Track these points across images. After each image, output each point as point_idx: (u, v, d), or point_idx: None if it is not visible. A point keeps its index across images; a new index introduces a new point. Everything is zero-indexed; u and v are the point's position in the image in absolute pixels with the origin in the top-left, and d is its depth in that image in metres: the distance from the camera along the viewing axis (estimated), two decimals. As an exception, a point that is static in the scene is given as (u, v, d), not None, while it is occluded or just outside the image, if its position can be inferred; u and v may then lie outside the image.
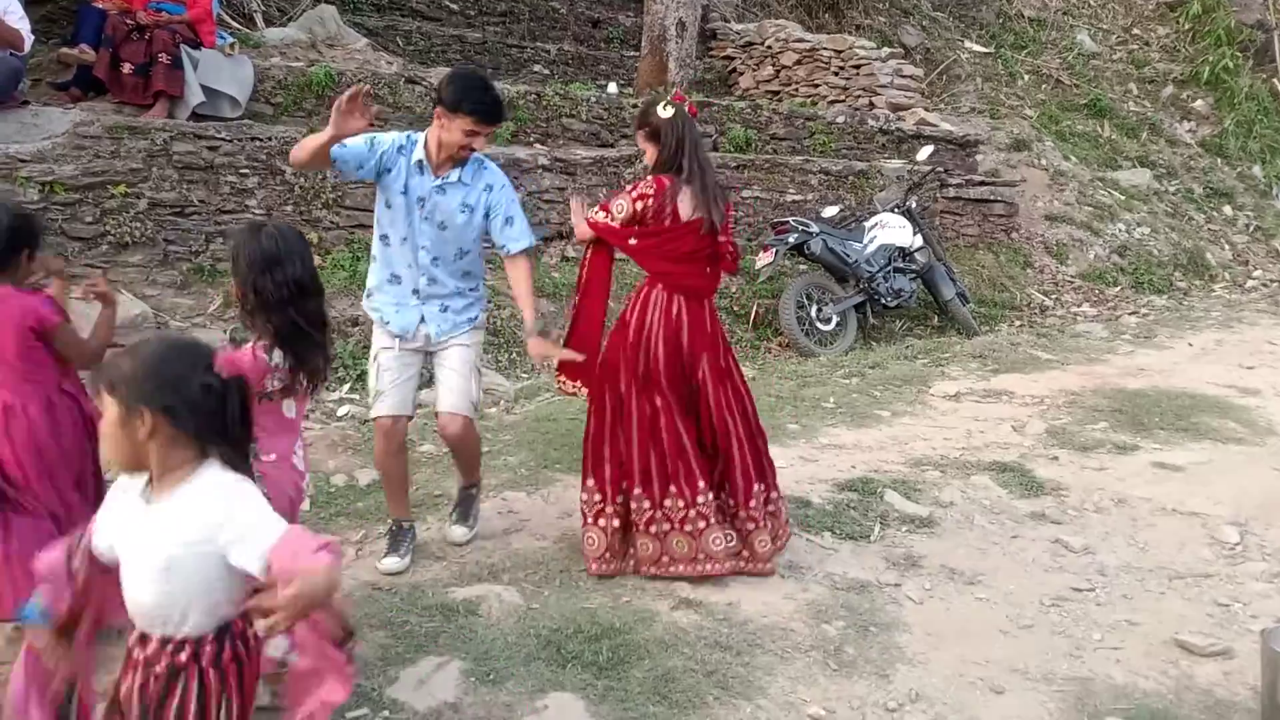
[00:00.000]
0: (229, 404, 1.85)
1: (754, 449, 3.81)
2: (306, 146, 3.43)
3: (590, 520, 3.74)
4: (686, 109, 3.75)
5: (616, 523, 3.71)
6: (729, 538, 3.69)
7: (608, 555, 3.72)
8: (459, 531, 3.96)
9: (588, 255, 3.89)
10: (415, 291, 3.70)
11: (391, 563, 3.71)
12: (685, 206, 3.67)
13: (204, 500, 1.83)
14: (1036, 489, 4.84)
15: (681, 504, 3.64)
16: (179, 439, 1.83)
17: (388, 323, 3.72)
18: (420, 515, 4.13)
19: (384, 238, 3.69)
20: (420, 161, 3.58)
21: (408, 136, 3.63)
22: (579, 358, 3.74)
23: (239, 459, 1.89)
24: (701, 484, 3.65)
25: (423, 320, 3.71)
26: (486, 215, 3.69)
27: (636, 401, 3.68)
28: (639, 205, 3.66)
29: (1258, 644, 3.06)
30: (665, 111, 3.70)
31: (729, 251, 3.84)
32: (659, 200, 3.65)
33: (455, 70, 3.67)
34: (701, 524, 3.63)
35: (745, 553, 3.74)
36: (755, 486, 3.75)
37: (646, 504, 3.66)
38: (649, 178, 3.72)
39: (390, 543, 3.79)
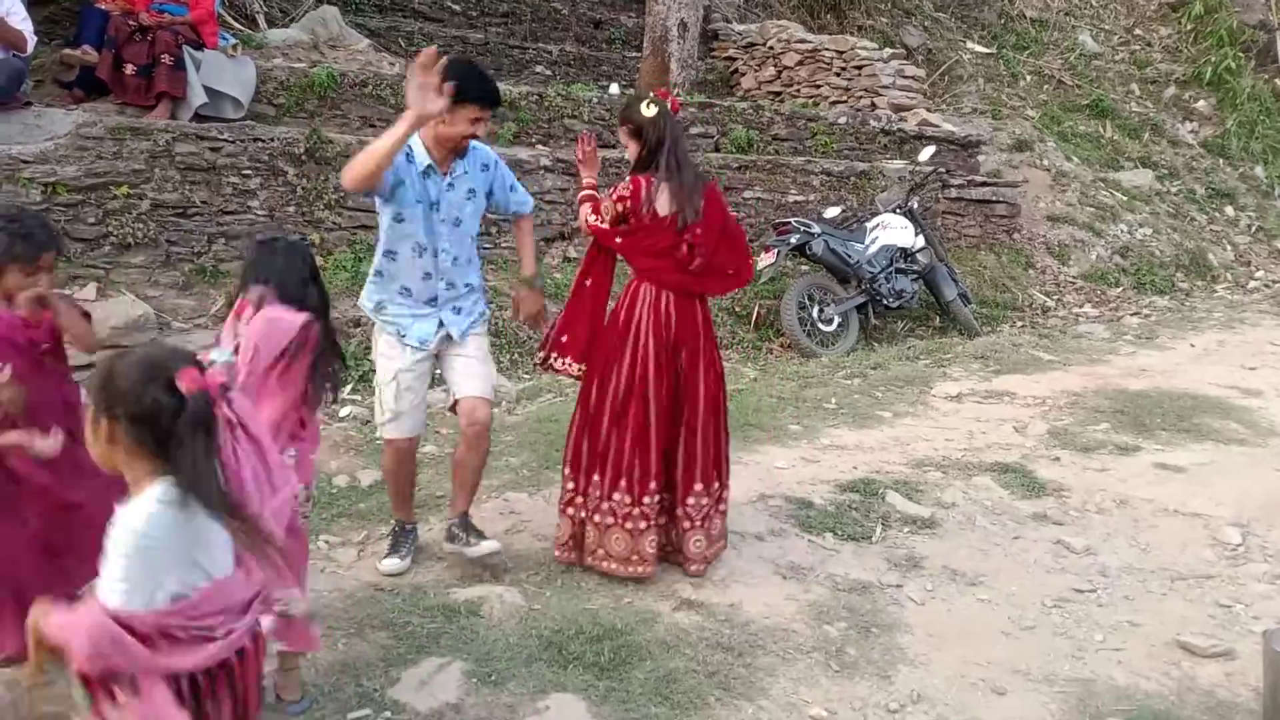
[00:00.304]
0: (182, 424, 1.77)
1: (708, 449, 3.78)
2: (380, 151, 3.20)
3: (562, 506, 3.82)
4: (669, 105, 3.78)
5: (584, 514, 3.76)
6: (667, 540, 3.77)
7: (570, 544, 3.79)
8: (491, 545, 3.72)
9: (590, 246, 3.98)
10: (432, 300, 3.63)
11: (392, 564, 3.71)
12: (662, 203, 3.72)
13: (121, 522, 1.79)
14: (1038, 490, 4.84)
15: (628, 500, 3.68)
16: (136, 450, 1.80)
17: (404, 334, 3.61)
18: (422, 516, 4.13)
19: (390, 253, 3.57)
20: (429, 166, 3.52)
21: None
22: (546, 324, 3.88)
23: (199, 482, 1.79)
24: (653, 485, 3.68)
25: (441, 325, 3.65)
26: (489, 193, 3.70)
27: (614, 393, 3.71)
28: (619, 206, 3.75)
29: (1260, 645, 3.06)
30: (649, 110, 3.73)
31: (697, 245, 3.73)
32: (636, 200, 3.72)
33: (452, 61, 3.58)
34: (643, 524, 3.67)
35: (676, 553, 3.80)
36: (697, 486, 3.75)
37: (597, 494, 3.72)
38: (627, 178, 3.78)
39: (392, 544, 3.80)
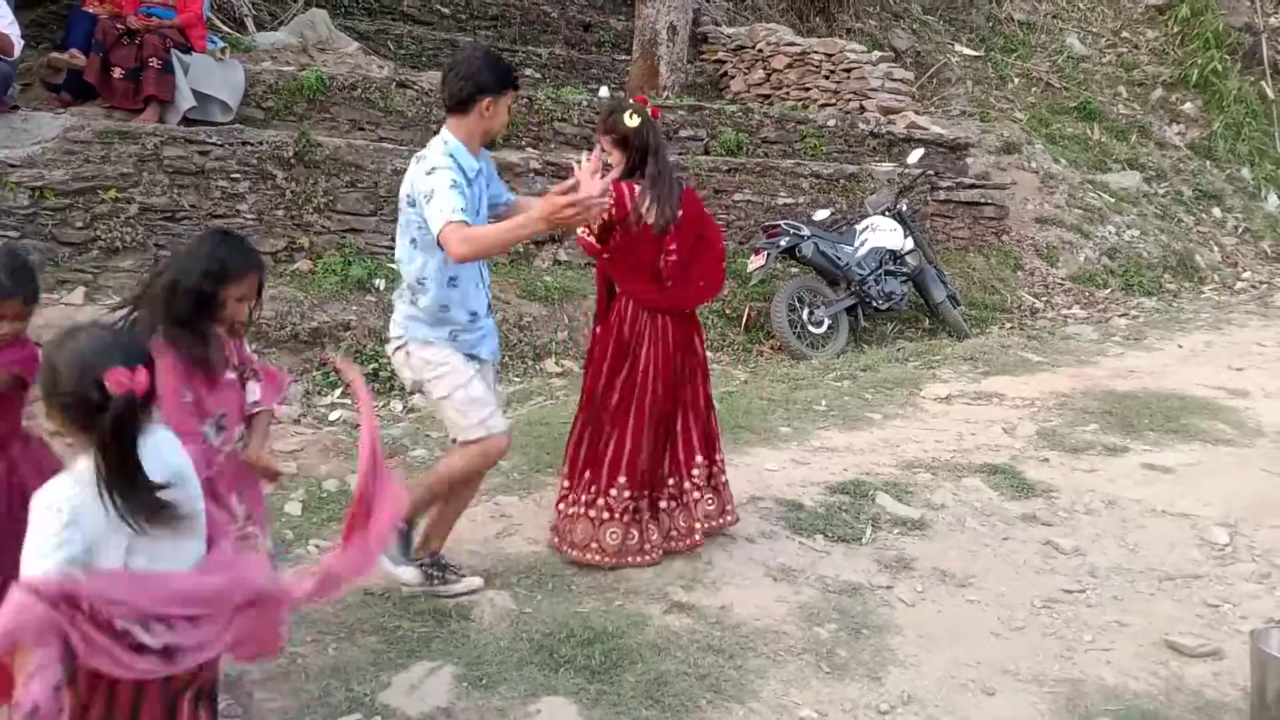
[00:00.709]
0: (106, 418, 1.81)
1: (702, 423, 3.98)
2: (517, 239, 3.21)
3: (555, 502, 3.99)
4: (650, 113, 3.84)
5: (572, 509, 3.90)
6: (630, 535, 3.81)
7: (553, 533, 3.97)
8: (474, 580, 3.64)
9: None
10: (489, 307, 3.50)
11: (413, 573, 3.55)
12: (647, 211, 3.78)
13: (41, 493, 1.86)
14: (1027, 491, 4.86)
15: (594, 489, 3.82)
16: (74, 430, 1.87)
17: (478, 354, 3.46)
18: (414, 521, 4.12)
19: (453, 280, 3.33)
20: (478, 170, 3.35)
21: (450, 159, 3.26)
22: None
23: (112, 482, 1.82)
24: (623, 479, 3.80)
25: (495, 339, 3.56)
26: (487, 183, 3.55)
27: (611, 402, 3.84)
28: (605, 216, 3.76)
29: (1247, 644, 3.09)
30: (632, 120, 3.78)
31: (671, 255, 3.84)
32: (623, 209, 3.75)
33: (475, 54, 3.36)
34: (605, 515, 3.80)
35: (682, 539, 3.91)
36: (698, 458, 3.95)
37: (579, 487, 3.87)
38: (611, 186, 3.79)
39: (402, 545, 3.58)
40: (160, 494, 1.88)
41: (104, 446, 1.82)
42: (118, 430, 1.82)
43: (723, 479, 4.06)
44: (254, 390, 2.74)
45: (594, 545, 3.79)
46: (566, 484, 3.94)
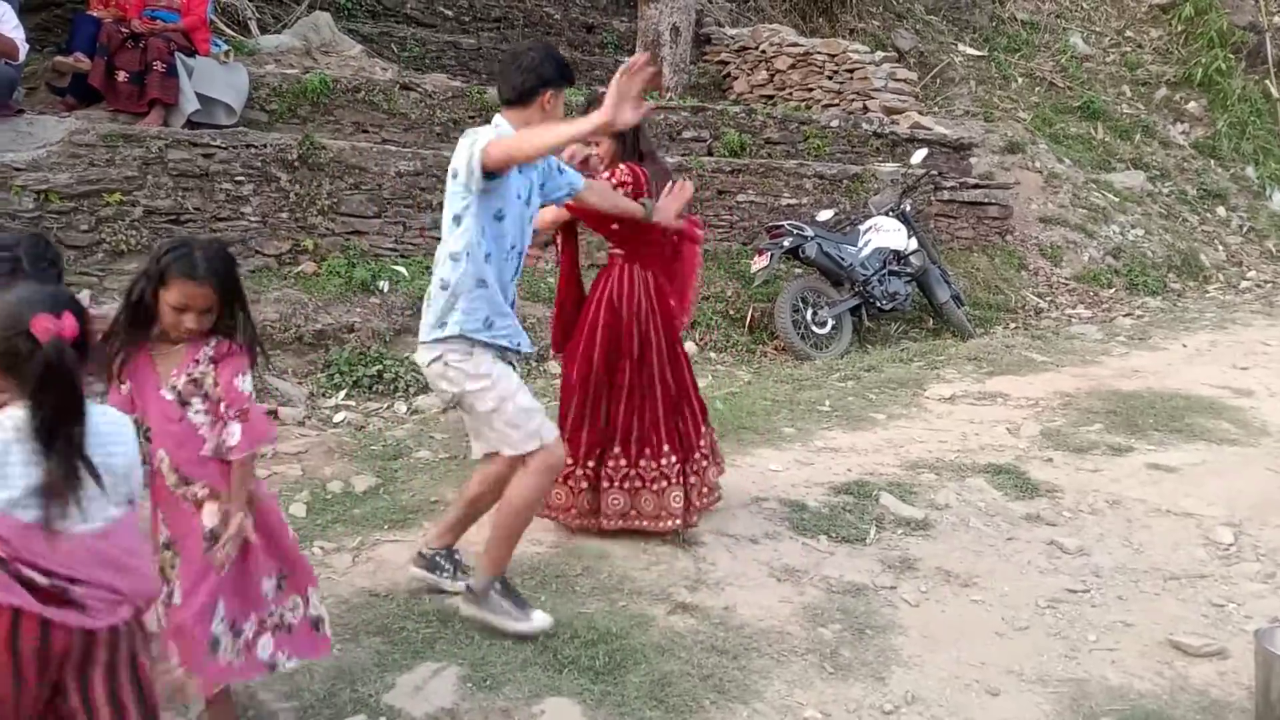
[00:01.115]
0: (35, 364, 1.83)
1: (697, 400, 4.22)
2: (553, 142, 3.05)
3: (559, 480, 3.98)
4: None
5: (585, 484, 4.02)
6: (684, 494, 4.03)
7: (574, 511, 4.05)
8: (544, 619, 3.37)
9: (557, 243, 4.27)
10: (513, 304, 3.35)
11: (544, 617, 3.34)
12: (656, 193, 3.90)
13: None
14: (1031, 491, 4.85)
15: (654, 466, 3.98)
16: (9, 384, 1.88)
17: (519, 345, 3.33)
18: (417, 521, 4.14)
19: (489, 257, 3.22)
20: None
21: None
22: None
23: (48, 425, 1.84)
24: (666, 447, 4.00)
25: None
26: (542, 185, 3.44)
27: (625, 374, 3.97)
28: (620, 192, 3.82)
29: (1252, 644, 3.08)
30: None
31: (672, 240, 4.11)
32: (640, 190, 3.83)
33: (536, 48, 3.32)
34: (664, 483, 3.98)
35: (701, 487, 4.13)
36: (703, 429, 4.18)
37: (624, 463, 3.98)
38: (623, 165, 3.90)
39: (516, 598, 3.35)
40: (84, 462, 1.88)
41: (35, 393, 1.82)
42: (47, 376, 1.82)
43: (713, 438, 4.33)
44: (233, 433, 2.49)
45: (664, 513, 3.97)
46: (571, 460, 3.93)
